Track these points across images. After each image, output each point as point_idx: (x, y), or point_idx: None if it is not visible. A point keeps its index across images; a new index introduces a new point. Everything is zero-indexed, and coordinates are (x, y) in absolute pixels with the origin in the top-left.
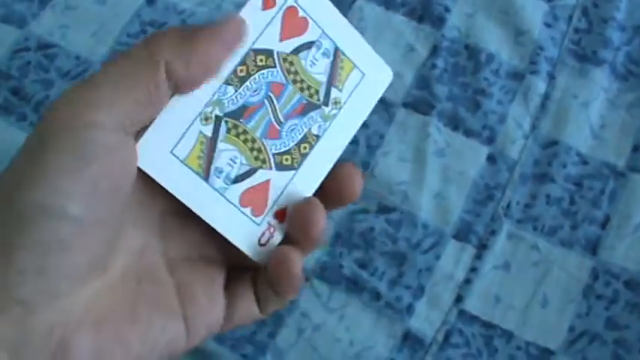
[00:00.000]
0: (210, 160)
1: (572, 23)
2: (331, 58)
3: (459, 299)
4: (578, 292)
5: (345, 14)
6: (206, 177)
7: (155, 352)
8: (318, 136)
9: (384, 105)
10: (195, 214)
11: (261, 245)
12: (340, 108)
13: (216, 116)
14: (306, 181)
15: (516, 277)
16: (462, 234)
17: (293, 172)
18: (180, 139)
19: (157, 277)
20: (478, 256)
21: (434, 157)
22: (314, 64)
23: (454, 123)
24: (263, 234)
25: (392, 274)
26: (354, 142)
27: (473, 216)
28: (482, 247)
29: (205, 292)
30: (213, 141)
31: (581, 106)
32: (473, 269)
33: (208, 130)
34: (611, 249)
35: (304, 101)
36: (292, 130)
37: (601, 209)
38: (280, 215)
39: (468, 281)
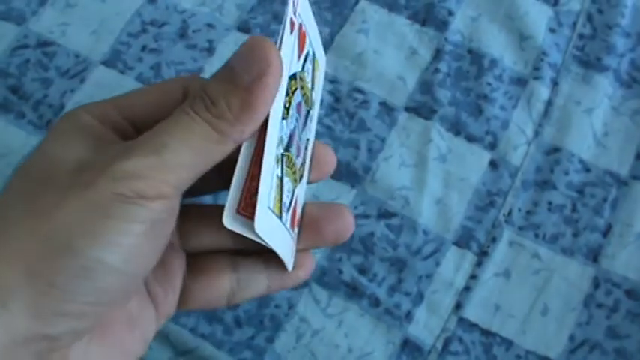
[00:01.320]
0: (281, 199)
1: (576, 29)
2: (312, 62)
3: (458, 306)
4: (578, 300)
5: (347, 16)
6: (280, 216)
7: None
8: (308, 139)
9: (386, 109)
10: None
11: (291, 255)
12: (314, 106)
13: (281, 154)
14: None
15: (517, 285)
16: (463, 241)
17: (304, 179)
18: (271, 191)
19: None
20: (478, 263)
21: (435, 163)
22: (307, 73)
23: (456, 128)
24: (294, 245)
25: (391, 280)
26: (356, 146)
27: (474, 222)
28: (483, 254)
29: (161, 280)
30: (281, 180)
31: (585, 112)
32: (473, 276)
33: (279, 171)
34: (612, 257)
35: (306, 112)
36: (302, 143)
37: (603, 217)
38: (298, 222)
39: (467, 288)
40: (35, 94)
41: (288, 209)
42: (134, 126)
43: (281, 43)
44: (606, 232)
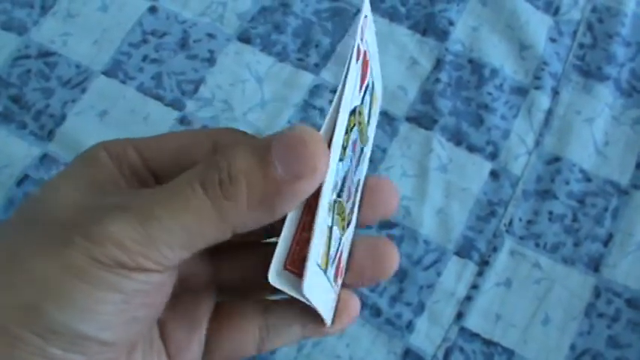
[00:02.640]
0: (328, 251)
1: (576, 38)
2: (371, 95)
3: (459, 316)
4: (579, 310)
5: (348, 26)
6: (325, 270)
7: None
8: (359, 179)
9: (387, 119)
10: None
11: (332, 308)
12: (368, 143)
13: (334, 201)
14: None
15: (518, 295)
16: (464, 250)
17: (352, 225)
18: (321, 244)
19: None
20: (480, 273)
21: (436, 173)
22: (366, 106)
23: (457, 138)
24: (335, 298)
25: (393, 291)
26: None
27: (475, 232)
28: (484, 264)
29: (184, 326)
30: (330, 230)
31: (585, 122)
32: (474, 286)
33: (329, 220)
34: (613, 267)
35: (360, 150)
36: (354, 184)
37: (604, 227)
38: (342, 272)
39: (469, 298)
40: (36, 104)
41: (334, 261)
42: (154, 173)
43: (346, 78)
44: (607, 242)
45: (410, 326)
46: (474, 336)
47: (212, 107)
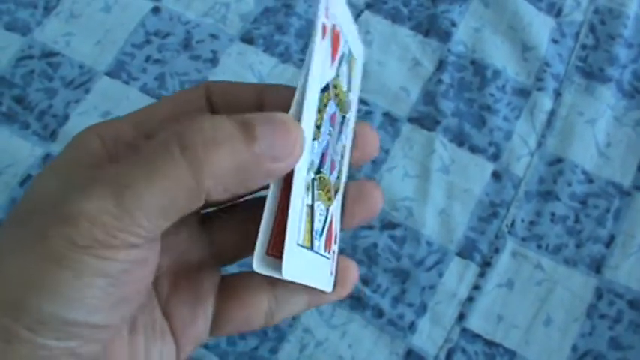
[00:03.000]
0: (312, 227)
1: (579, 40)
2: (348, 62)
3: (461, 317)
4: (581, 311)
5: None
6: (311, 246)
7: None
8: (345, 145)
9: (389, 120)
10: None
11: (331, 274)
12: (351, 107)
13: (312, 179)
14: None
15: (520, 296)
16: (466, 251)
17: (340, 194)
18: (300, 225)
19: (147, 299)
20: (481, 274)
21: (439, 174)
22: (343, 75)
23: (459, 139)
24: (332, 264)
25: (395, 291)
26: None
27: (477, 233)
28: (486, 265)
29: (187, 303)
30: (311, 207)
31: (587, 123)
32: (476, 287)
33: (309, 199)
34: (615, 268)
35: (342, 119)
36: (337, 153)
37: (606, 228)
38: (335, 236)
39: (471, 299)
40: (40, 105)
41: (322, 234)
42: None
43: (311, 59)
44: (609, 243)
45: (412, 327)
46: (476, 337)
47: None
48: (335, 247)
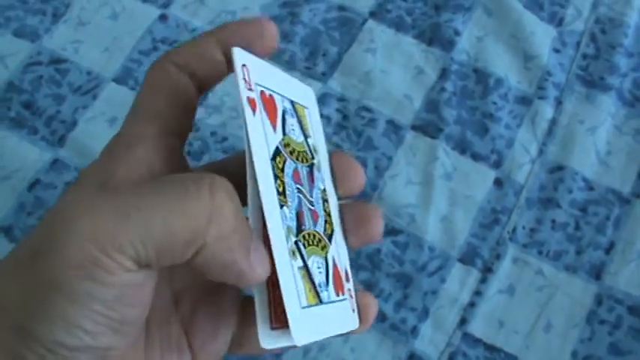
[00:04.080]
0: (313, 284)
1: (580, 49)
2: (295, 113)
3: (463, 322)
4: (581, 317)
5: (355, 35)
6: (320, 301)
7: None
8: (324, 188)
9: (392, 127)
10: None
11: (353, 312)
12: (317, 149)
13: (295, 242)
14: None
15: (520, 301)
16: (468, 258)
17: (335, 233)
18: (297, 291)
19: (164, 314)
20: (483, 280)
21: (441, 181)
22: (293, 130)
23: (462, 147)
24: (351, 302)
25: (397, 296)
26: (363, 164)
27: (479, 240)
28: (488, 271)
29: (209, 318)
30: (305, 267)
31: (588, 131)
32: (477, 293)
33: (299, 261)
34: (615, 275)
35: (308, 169)
36: (318, 201)
37: (606, 235)
38: (346, 275)
39: (472, 304)
40: (48, 110)
41: (327, 283)
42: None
43: (249, 139)
44: (609, 250)
45: (414, 331)
46: (477, 341)
47: (221, 114)
48: (349, 285)
